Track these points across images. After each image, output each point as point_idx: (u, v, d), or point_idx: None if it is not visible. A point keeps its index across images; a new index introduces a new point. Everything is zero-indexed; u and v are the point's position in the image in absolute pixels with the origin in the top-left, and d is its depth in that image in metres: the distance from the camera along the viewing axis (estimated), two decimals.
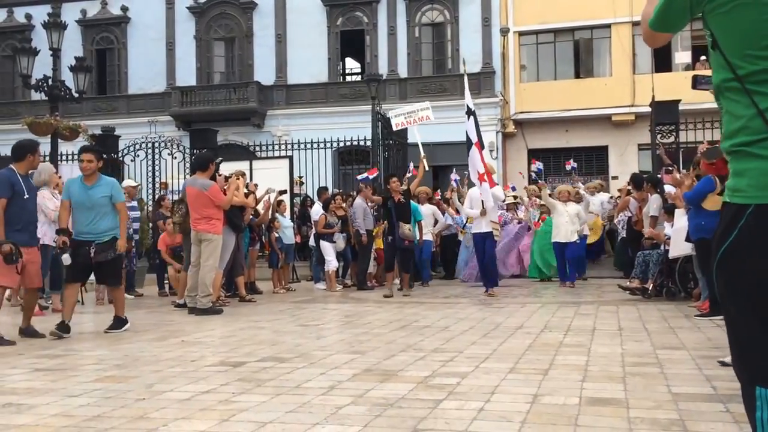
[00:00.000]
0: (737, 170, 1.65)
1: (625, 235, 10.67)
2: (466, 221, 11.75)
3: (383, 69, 22.69)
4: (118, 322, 6.60)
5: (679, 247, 7.64)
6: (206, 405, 3.53)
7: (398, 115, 11.40)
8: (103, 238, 6.41)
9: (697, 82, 7.95)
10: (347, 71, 26.91)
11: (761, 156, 1.59)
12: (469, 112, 10.28)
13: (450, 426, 3.07)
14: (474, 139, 10.12)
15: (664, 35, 1.82)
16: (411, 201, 10.32)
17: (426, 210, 11.89)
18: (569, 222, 10.76)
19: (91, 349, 5.60)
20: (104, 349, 5.49)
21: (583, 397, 3.57)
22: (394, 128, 11.41)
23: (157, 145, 15.57)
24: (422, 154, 10.29)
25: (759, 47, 1.60)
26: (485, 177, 9.86)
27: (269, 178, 12.59)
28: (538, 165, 14.36)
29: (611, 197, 15.23)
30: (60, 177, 8.99)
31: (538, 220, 12.16)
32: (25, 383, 4.19)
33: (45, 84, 12.22)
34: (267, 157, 15.99)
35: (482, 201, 9.61)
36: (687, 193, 6.94)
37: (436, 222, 12.37)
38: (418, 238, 10.08)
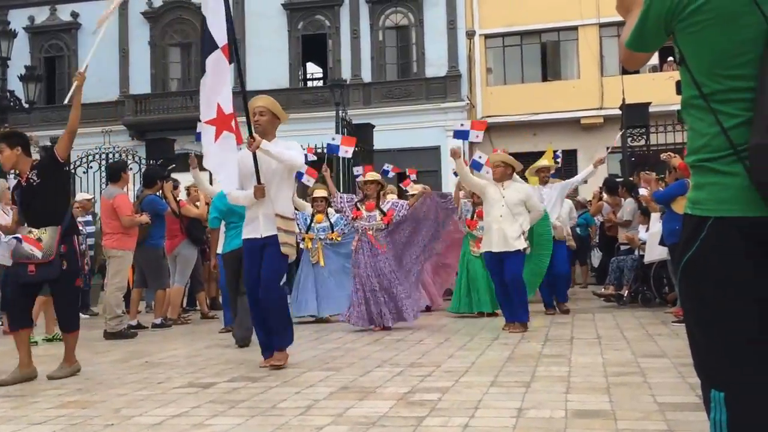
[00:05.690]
0: (698, 183, 1.71)
1: (597, 241, 10.46)
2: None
3: (346, 74, 22.44)
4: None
5: (655, 252, 7.65)
6: (179, 429, 3.35)
7: None
8: None
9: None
10: (309, 76, 26.64)
11: (721, 171, 1.64)
12: None
13: None
14: (220, 41, 5.03)
15: (643, 55, 1.85)
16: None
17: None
18: (508, 216, 6.56)
19: (49, 371, 5.25)
20: None
21: (569, 409, 3.50)
22: (97, 26, 5.66)
23: (111, 156, 15.02)
24: (82, 66, 5.25)
25: (726, 67, 1.64)
26: (233, 123, 5.09)
27: None
28: (386, 166, 12.02)
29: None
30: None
31: (472, 217, 8.16)
32: None
33: None
34: None
35: (256, 172, 4.95)
36: (657, 192, 7.00)
37: None
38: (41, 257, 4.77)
